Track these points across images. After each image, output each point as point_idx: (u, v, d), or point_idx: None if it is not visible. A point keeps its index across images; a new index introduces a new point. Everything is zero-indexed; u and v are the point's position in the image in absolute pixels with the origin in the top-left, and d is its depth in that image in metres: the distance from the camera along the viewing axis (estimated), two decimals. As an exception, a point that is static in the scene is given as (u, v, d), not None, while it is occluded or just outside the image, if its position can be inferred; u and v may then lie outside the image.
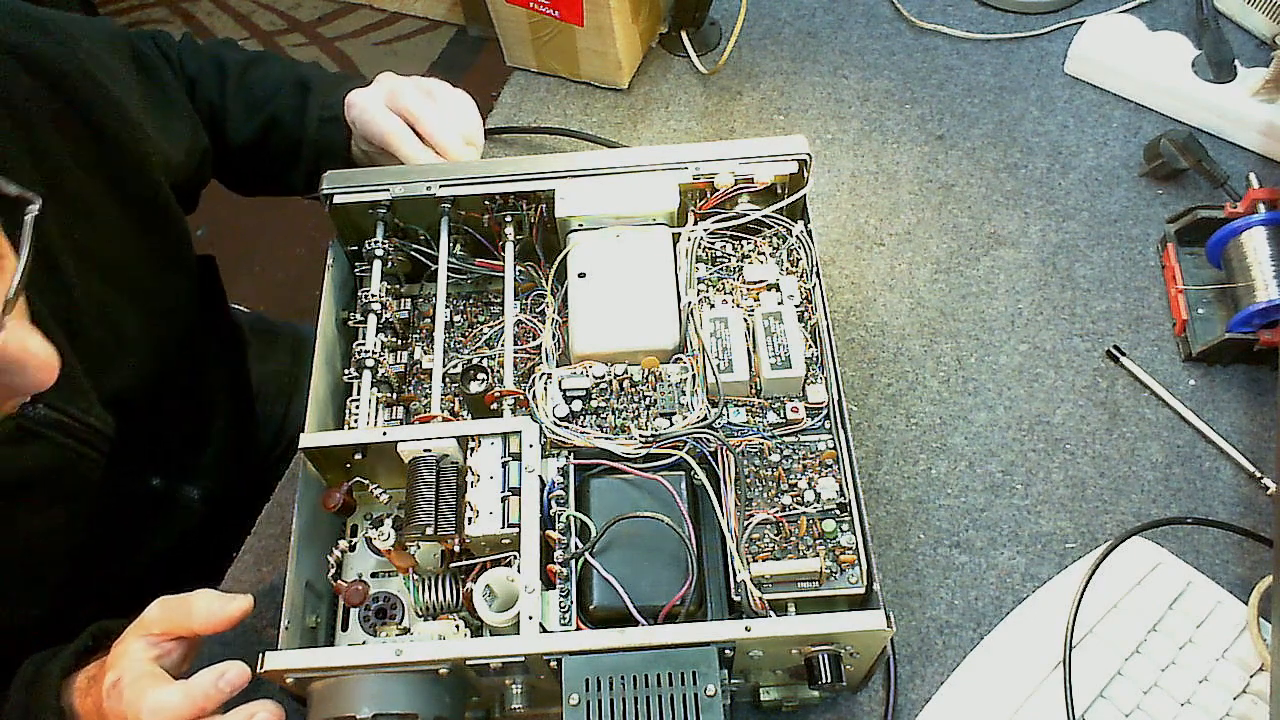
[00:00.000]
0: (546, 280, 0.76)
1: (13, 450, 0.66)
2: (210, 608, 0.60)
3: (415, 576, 0.65)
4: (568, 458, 0.66)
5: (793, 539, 0.64)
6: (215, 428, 0.91)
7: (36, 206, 0.53)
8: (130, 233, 0.76)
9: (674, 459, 0.65)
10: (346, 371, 0.71)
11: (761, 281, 0.74)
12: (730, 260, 0.76)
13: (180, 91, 0.85)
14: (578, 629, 0.60)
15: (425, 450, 0.64)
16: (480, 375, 0.70)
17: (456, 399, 0.71)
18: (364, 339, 0.71)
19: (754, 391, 0.70)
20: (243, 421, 0.99)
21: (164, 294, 0.81)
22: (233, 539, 0.82)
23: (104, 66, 0.74)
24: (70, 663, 0.63)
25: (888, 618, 0.57)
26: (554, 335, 0.72)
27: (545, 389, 0.68)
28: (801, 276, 0.74)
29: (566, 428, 0.66)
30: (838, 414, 0.67)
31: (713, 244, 0.76)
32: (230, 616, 0.60)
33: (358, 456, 0.66)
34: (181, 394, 0.85)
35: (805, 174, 0.75)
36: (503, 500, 0.62)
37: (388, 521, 0.64)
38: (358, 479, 0.67)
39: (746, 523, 0.64)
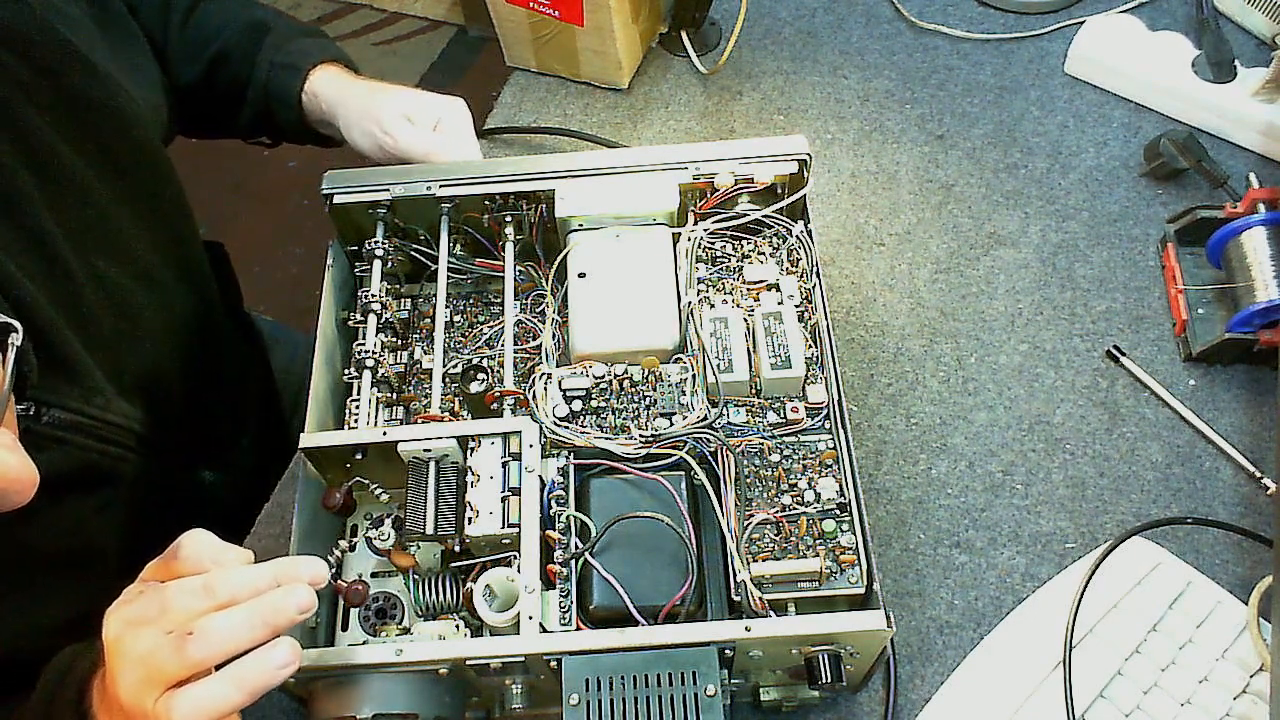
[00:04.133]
0: (546, 280, 0.76)
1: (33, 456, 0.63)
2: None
3: (415, 576, 0.65)
4: (568, 458, 0.66)
5: (793, 539, 0.64)
6: (249, 414, 0.89)
7: (19, 337, 0.50)
8: (127, 206, 0.72)
9: (674, 459, 0.65)
10: (346, 371, 0.71)
11: (761, 281, 0.74)
12: (730, 260, 0.76)
13: (133, 22, 0.79)
14: (578, 629, 0.60)
15: (425, 450, 0.64)
16: (480, 375, 0.70)
17: (456, 399, 0.71)
18: (364, 339, 0.71)
19: (754, 391, 0.70)
20: (274, 406, 0.98)
21: (171, 267, 0.77)
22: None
23: (62, 16, 0.68)
24: (100, 659, 0.59)
25: (888, 618, 0.57)
26: (554, 335, 0.72)
27: (545, 389, 0.68)
28: (801, 276, 0.74)
29: (566, 428, 0.66)
30: (838, 414, 0.67)
31: (713, 244, 0.76)
32: None
33: (358, 456, 0.66)
34: (209, 379, 0.82)
35: (805, 174, 0.75)
36: (503, 500, 0.62)
37: (388, 521, 0.64)
38: (358, 479, 0.67)
39: (746, 523, 0.64)
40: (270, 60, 0.83)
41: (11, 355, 0.50)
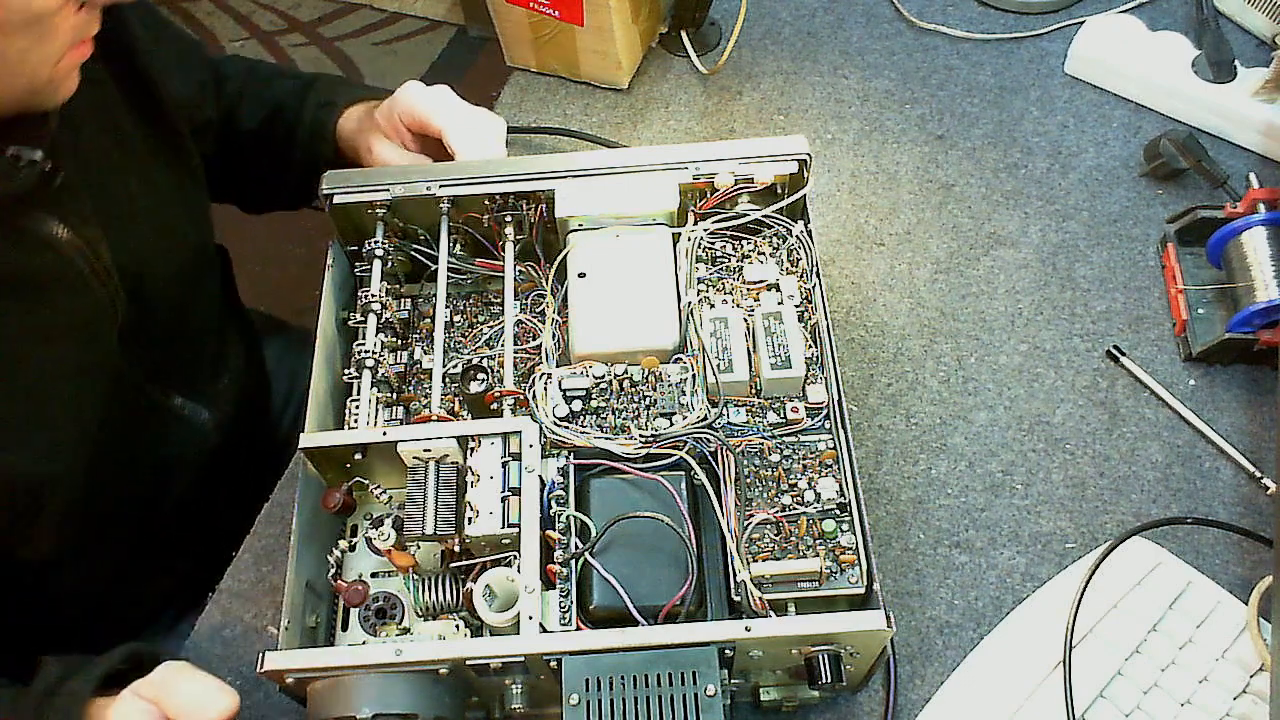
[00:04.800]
0: (546, 280, 0.76)
1: (21, 254, 0.65)
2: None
3: (415, 576, 0.65)
4: (568, 458, 0.66)
5: (793, 539, 0.64)
6: (231, 358, 0.92)
7: None
8: (144, 126, 0.77)
9: (674, 459, 0.65)
10: (346, 371, 0.71)
11: (761, 281, 0.74)
12: (730, 260, 0.76)
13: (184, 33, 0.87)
14: (578, 629, 0.60)
15: (425, 450, 0.64)
16: (480, 375, 0.70)
17: (456, 399, 0.71)
18: (364, 339, 0.71)
19: (754, 391, 0.70)
20: (255, 360, 1.01)
21: (174, 195, 0.81)
22: (243, 484, 0.83)
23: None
24: (100, 682, 0.61)
25: (888, 618, 0.57)
26: (554, 335, 0.72)
27: (545, 389, 0.68)
28: (801, 276, 0.74)
29: (566, 428, 0.66)
30: (838, 414, 0.67)
31: (713, 244, 0.76)
32: None
33: (358, 456, 0.66)
34: (198, 315, 0.86)
35: (805, 174, 0.75)
36: (503, 500, 0.62)
37: (388, 521, 0.64)
38: (358, 479, 0.67)
39: (746, 523, 0.64)
40: (316, 101, 0.90)
41: None
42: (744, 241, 0.76)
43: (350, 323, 0.73)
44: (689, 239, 0.74)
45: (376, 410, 0.70)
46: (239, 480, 0.87)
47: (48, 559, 0.74)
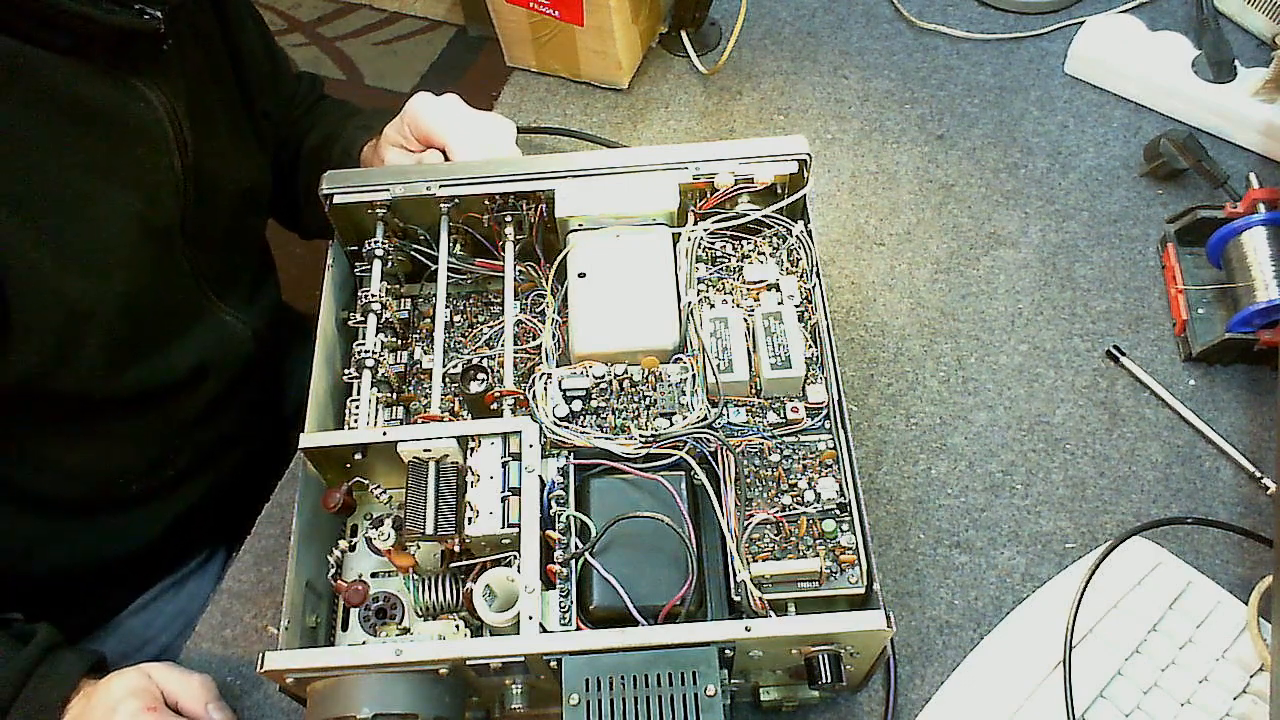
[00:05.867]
0: (546, 280, 0.76)
1: (124, 95, 0.72)
2: (199, 699, 0.68)
3: (415, 576, 0.65)
4: (568, 458, 0.66)
5: (793, 539, 0.64)
6: (267, 285, 0.99)
7: None
8: (229, 71, 0.85)
9: (674, 459, 0.65)
10: (346, 371, 0.71)
11: (761, 281, 0.74)
12: (730, 260, 0.76)
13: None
14: (578, 629, 0.60)
15: (425, 450, 0.64)
16: (480, 375, 0.70)
17: (456, 399, 0.71)
18: (364, 339, 0.71)
19: (754, 391, 0.70)
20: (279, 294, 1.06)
21: (249, 139, 0.88)
22: (273, 396, 0.89)
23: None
24: (87, 667, 0.68)
25: (888, 618, 0.57)
26: (554, 335, 0.72)
27: (545, 389, 0.68)
28: (801, 276, 0.74)
29: (566, 428, 0.66)
30: (838, 414, 0.67)
31: (713, 244, 0.76)
32: None
33: (358, 456, 0.66)
34: (247, 239, 0.93)
35: (805, 174, 0.75)
36: (503, 500, 0.62)
37: (388, 521, 0.64)
38: (358, 479, 0.67)
39: (746, 523, 0.64)
40: (355, 125, 0.93)
41: None
42: (744, 241, 0.76)
43: (350, 323, 0.73)
44: (689, 239, 0.74)
45: (376, 410, 0.70)
46: (266, 402, 0.93)
47: (78, 409, 0.77)
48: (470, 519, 0.62)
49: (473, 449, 0.65)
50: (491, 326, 0.75)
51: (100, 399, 0.76)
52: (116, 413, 0.79)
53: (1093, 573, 0.71)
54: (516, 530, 0.61)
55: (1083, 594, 0.70)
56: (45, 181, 0.67)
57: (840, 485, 0.65)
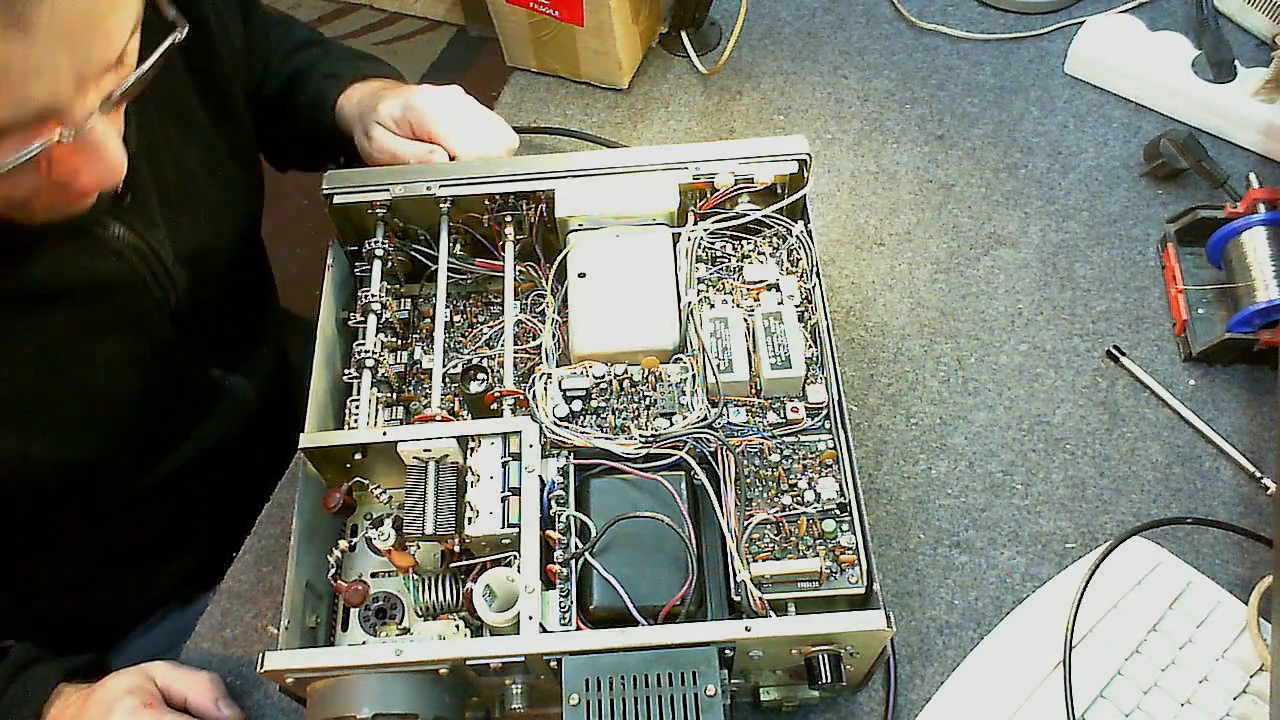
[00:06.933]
0: (546, 280, 0.76)
1: (89, 259, 0.67)
2: (208, 696, 0.68)
3: (415, 576, 0.65)
4: (568, 458, 0.66)
5: (793, 539, 0.64)
6: (267, 322, 0.95)
7: (181, 34, 0.57)
8: (205, 95, 0.79)
9: (674, 459, 0.65)
10: (346, 371, 0.71)
11: (761, 281, 0.74)
12: (730, 260, 0.76)
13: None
14: (578, 629, 0.60)
15: (425, 450, 0.64)
16: (480, 375, 0.70)
17: (456, 399, 0.71)
18: (364, 339, 0.71)
19: (754, 391, 0.70)
20: (288, 327, 1.03)
21: (231, 165, 0.83)
22: (280, 452, 0.86)
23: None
24: (63, 674, 0.68)
25: (888, 618, 0.57)
26: (554, 335, 0.72)
27: (545, 389, 0.68)
28: (801, 276, 0.74)
29: (566, 428, 0.66)
30: (838, 414, 0.67)
31: (713, 244, 0.76)
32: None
33: (358, 456, 0.66)
34: (246, 282, 0.89)
35: (805, 174, 0.75)
36: (503, 500, 0.62)
37: (388, 521, 0.64)
38: (358, 479, 0.67)
39: (746, 523, 0.64)
40: (322, 72, 0.90)
41: (160, 54, 0.56)
42: (744, 241, 0.76)
43: (350, 323, 0.73)
44: (689, 239, 0.74)
45: (376, 410, 0.70)
46: (277, 443, 0.90)
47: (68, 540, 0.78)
48: (470, 519, 0.62)
49: (473, 449, 0.65)
50: (491, 326, 0.75)
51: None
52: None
53: (1093, 573, 0.71)
54: (516, 530, 0.61)
55: (1083, 594, 0.70)
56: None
57: (840, 485, 0.65)
